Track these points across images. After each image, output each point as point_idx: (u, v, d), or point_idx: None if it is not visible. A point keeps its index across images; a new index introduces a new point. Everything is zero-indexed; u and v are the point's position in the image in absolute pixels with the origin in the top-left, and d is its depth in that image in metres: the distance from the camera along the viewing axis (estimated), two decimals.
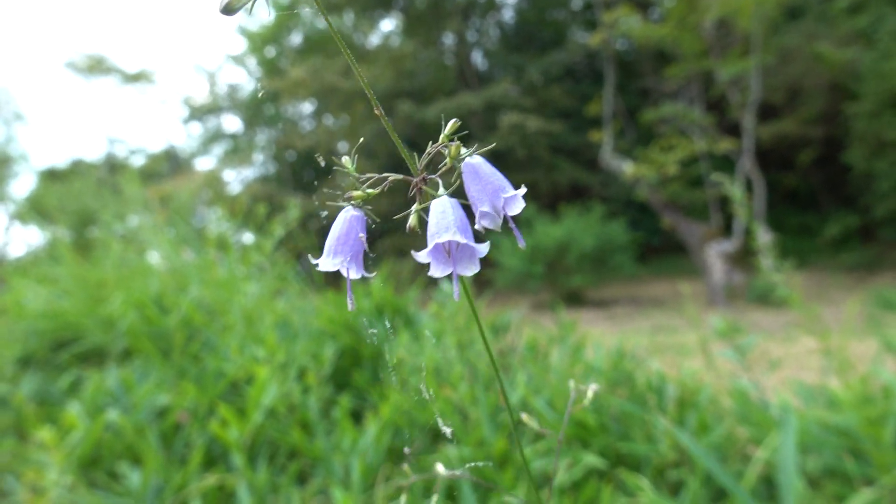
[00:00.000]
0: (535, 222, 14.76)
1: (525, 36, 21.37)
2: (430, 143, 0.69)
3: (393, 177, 0.70)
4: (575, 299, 14.48)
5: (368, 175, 0.71)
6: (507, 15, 21.74)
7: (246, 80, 24.43)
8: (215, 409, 2.53)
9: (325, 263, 0.72)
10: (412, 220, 0.68)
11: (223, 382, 2.62)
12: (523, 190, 0.68)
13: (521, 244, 0.68)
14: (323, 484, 2.10)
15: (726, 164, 15.54)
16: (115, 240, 4.93)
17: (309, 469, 2.24)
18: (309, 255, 0.74)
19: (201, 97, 24.15)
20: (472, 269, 0.69)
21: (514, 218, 0.69)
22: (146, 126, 42.96)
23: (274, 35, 22.99)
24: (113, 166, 21.08)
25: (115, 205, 6.40)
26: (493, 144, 0.74)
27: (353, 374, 2.81)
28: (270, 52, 23.42)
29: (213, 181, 19.75)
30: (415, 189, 0.69)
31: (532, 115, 16.74)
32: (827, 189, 17.82)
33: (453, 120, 0.68)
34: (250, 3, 0.62)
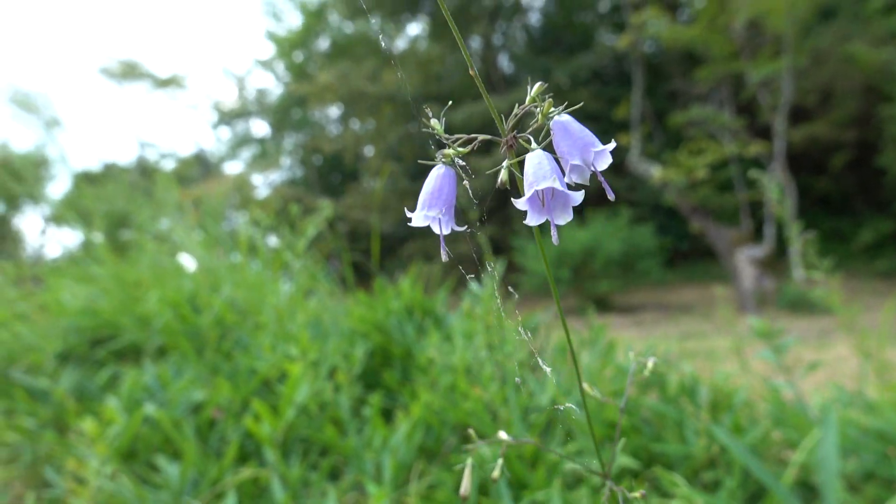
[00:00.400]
0: (561, 227, 14.67)
1: (552, 39, 21.31)
2: (517, 104, 0.73)
3: (483, 137, 0.74)
4: (602, 305, 14.38)
5: (458, 136, 0.74)
6: (534, 18, 21.72)
7: (274, 85, 24.74)
8: (249, 406, 2.57)
9: (418, 217, 0.76)
10: (503, 175, 0.71)
11: (256, 380, 2.66)
12: (613, 144, 0.71)
13: (611, 195, 0.71)
14: (355, 480, 2.12)
15: (757, 167, 15.32)
16: (149, 241, 5.03)
17: (341, 466, 2.26)
18: (405, 209, 0.79)
19: (230, 101, 24.51)
20: (565, 218, 0.74)
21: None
22: (176, 130, 43.66)
23: (302, 40, 23.26)
24: (144, 170, 21.47)
25: (148, 207, 6.52)
26: (581, 103, 0.78)
27: (384, 373, 2.83)
28: (298, 56, 23.69)
29: (243, 185, 20.02)
30: (504, 147, 0.72)
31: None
32: (860, 193, 17.46)
33: (539, 83, 0.72)
34: None
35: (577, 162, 0.72)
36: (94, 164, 23.94)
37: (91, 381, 3.23)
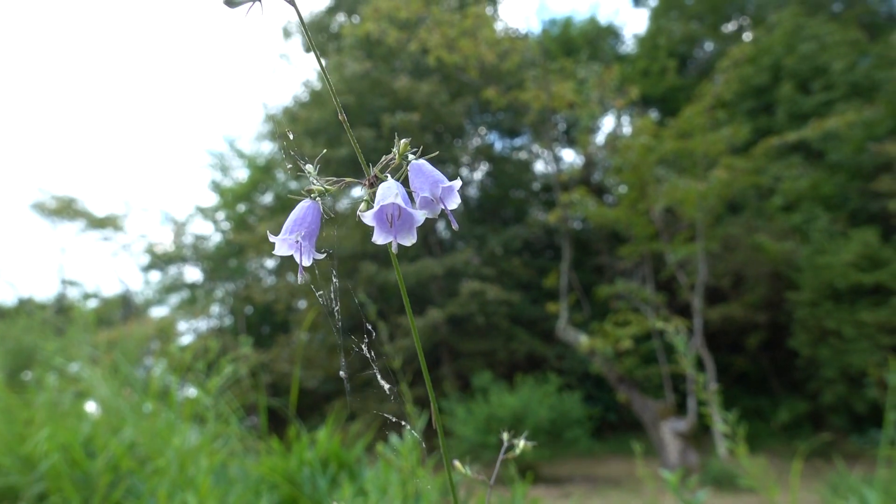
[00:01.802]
0: (491, 391, 14.59)
1: (488, 210, 22.54)
2: (380, 160, 0.81)
3: (349, 180, 0.83)
4: (527, 475, 13.92)
5: (327, 178, 0.80)
6: (472, 191, 23.08)
7: (212, 232, 24.80)
8: None
9: (281, 242, 0.82)
10: (362, 207, 0.77)
11: None
12: (459, 183, 0.80)
13: (455, 226, 0.81)
14: None
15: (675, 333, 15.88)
16: (52, 379, 4.71)
17: None
18: (267, 232, 0.85)
19: (165, 245, 24.28)
20: (410, 239, 0.82)
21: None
22: (104, 270, 42.50)
23: (246, 192, 23.81)
24: (62, 308, 20.53)
25: (58, 344, 6.17)
26: (437, 153, 0.88)
27: None
28: (241, 208, 24.09)
29: (166, 330, 19.30)
30: (367, 183, 0.79)
31: (492, 285, 17.20)
32: (776, 374, 18.21)
33: (405, 140, 0.81)
34: (250, 4, 0.72)
35: (426, 195, 0.82)
36: (8, 299, 22.78)
37: None
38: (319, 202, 0.86)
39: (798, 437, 15.66)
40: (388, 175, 0.83)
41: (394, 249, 0.81)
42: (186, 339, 22.52)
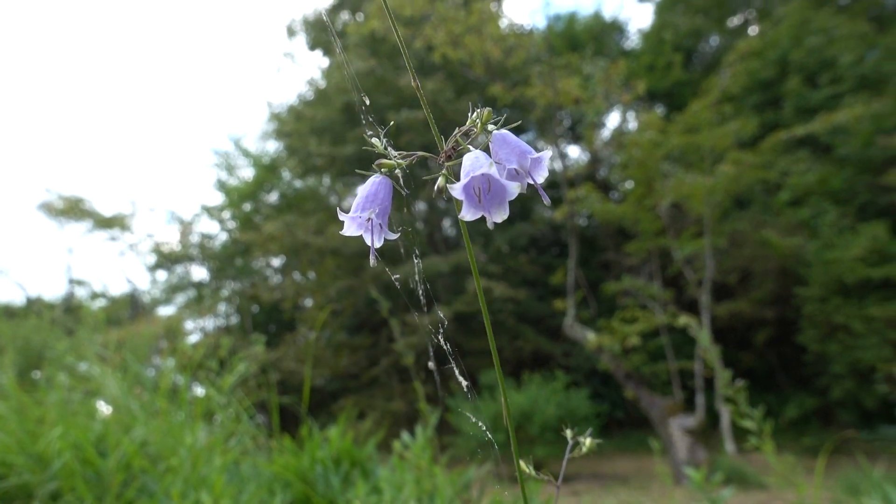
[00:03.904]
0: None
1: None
2: (454, 132, 0.76)
3: (421, 154, 0.75)
4: (537, 472, 13.89)
5: (400, 152, 0.75)
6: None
7: (218, 231, 24.84)
8: None
9: (350, 221, 0.75)
10: (440, 182, 0.71)
11: None
12: (549, 153, 0.73)
13: (546, 200, 0.73)
14: None
15: (686, 338, 15.85)
16: (63, 378, 4.71)
17: None
18: (338, 210, 0.78)
19: (172, 245, 24.32)
20: (501, 215, 0.74)
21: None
22: (111, 270, 42.68)
23: (252, 191, 23.82)
24: (70, 308, 20.60)
25: (67, 344, 6.17)
26: (519, 122, 0.81)
27: None
28: (247, 206, 24.12)
29: (174, 328, 19.35)
30: (444, 157, 0.73)
31: (498, 282, 17.17)
32: (784, 370, 18.13)
33: (488, 108, 0.75)
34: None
35: (514, 167, 0.75)
36: (17, 298, 22.89)
37: None
38: (391, 178, 0.79)
39: (807, 434, 15.59)
40: (470, 147, 0.77)
41: (490, 224, 0.73)
42: (193, 339, 22.59)
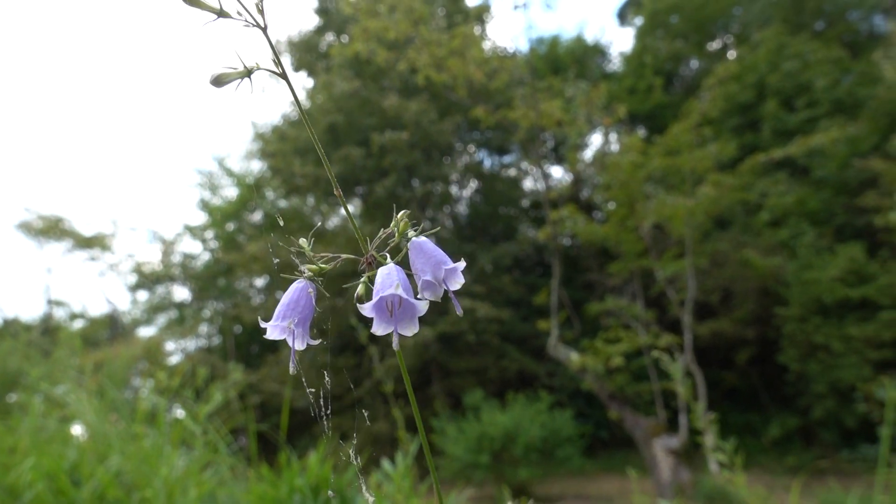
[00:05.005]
0: (483, 409, 14.51)
1: (478, 228, 22.57)
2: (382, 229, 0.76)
3: (345, 256, 0.77)
4: (520, 494, 13.84)
5: (322, 254, 0.76)
6: (462, 207, 23.11)
7: (201, 251, 24.66)
8: None
9: (273, 328, 0.76)
10: (360, 290, 0.73)
11: None
12: (462, 264, 0.75)
13: (459, 311, 0.75)
14: None
15: (669, 358, 15.88)
16: (37, 403, 4.63)
17: None
18: (259, 319, 0.79)
19: (153, 265, 24.08)
20: (411, 330, 0.76)
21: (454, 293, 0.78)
22: (91, 290, 42.09)
23: (235, 211, 23.71)
24: (48, 329, 20.27)
25: (44, 367, 6.07)
26: (438, 228, 0.82)
27: None
28: (230, 226, 23.98)
29: (154, 350, 19.10)
30: (364, 263, 0.74)
31: (482, 302, 17.17)
32: (766, 389, 18.24)
33: (404, 211, 0.76)
34: (238, 81, 0.71)
35: (428, 278, 0.77)
36: None
37: None
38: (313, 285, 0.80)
39: (789, 453, 15.66)
40: (388, 256, 0.78)
41: (394, 345, 0.74)
42: (175, 359, 22.28)
